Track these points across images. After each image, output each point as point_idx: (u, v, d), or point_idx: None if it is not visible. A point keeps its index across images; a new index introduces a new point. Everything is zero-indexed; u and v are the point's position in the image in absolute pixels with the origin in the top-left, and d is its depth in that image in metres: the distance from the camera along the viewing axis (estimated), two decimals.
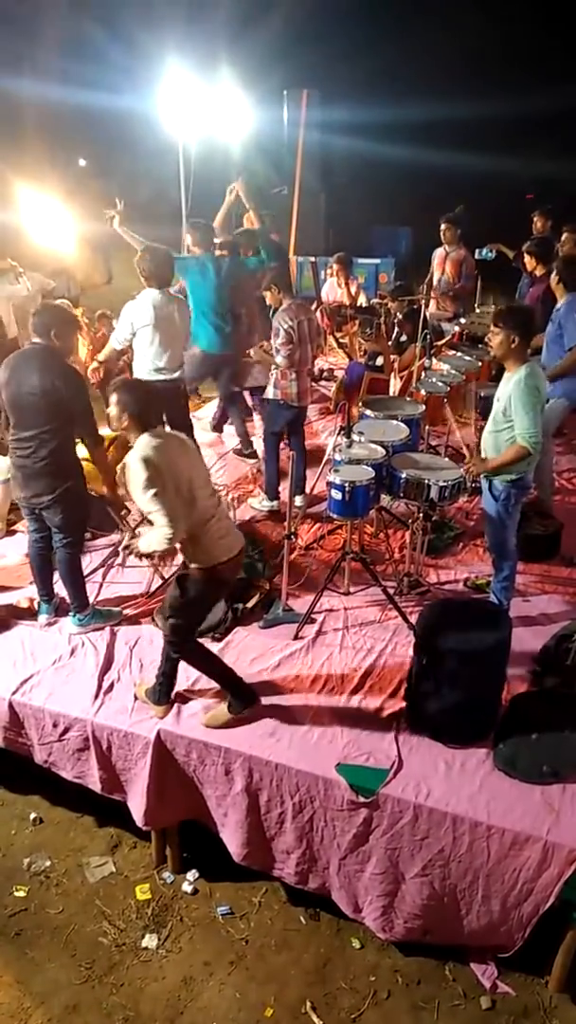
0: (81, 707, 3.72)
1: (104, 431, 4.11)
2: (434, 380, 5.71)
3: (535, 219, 8.45)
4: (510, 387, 3.84)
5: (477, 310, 7.84)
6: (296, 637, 4.21)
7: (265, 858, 3.49)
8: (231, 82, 10.58)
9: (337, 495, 4.18)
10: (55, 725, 3.73)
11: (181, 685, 3.80)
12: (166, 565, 4.68)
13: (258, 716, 3.60)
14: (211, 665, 3.62)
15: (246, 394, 6.81)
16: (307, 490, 5.68)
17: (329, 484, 4.26)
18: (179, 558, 4.81)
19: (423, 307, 6.67)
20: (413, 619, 4.14)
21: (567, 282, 5.22)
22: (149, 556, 3.50)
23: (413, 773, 3.31)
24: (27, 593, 4.53)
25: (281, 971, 3.27)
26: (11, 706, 3.81)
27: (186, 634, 3.55)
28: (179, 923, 3.46)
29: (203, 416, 7.28)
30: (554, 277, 5.33)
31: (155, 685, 3.65)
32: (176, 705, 3.68)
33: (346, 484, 4.14)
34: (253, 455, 6.41)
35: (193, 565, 3.38)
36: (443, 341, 7.08)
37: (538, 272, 6.49)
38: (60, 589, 4.36)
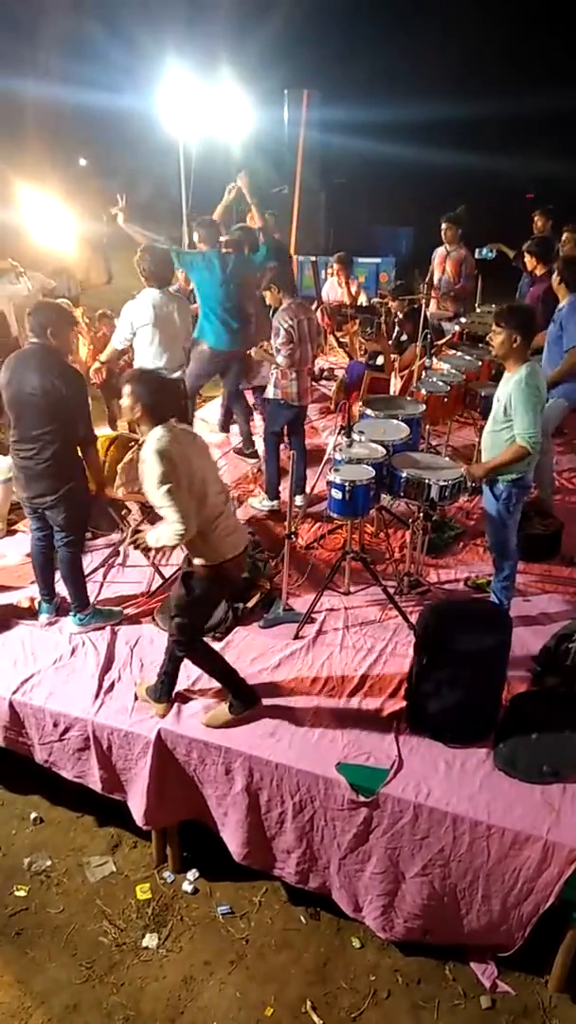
0: (81, 707, 3.72)
1: (104, 431, 4.12)
2: (434, 380, 5.71)
3: (535, 219, 8.46)
4: (510, 387, 3.83)
5: (477, 310, 7.84)
6: (296, 637, 4.21)
7: (265, 858, 3.49)
8: (231, 81, 10.59)
9: (337, 494, 4.18)
10: (55, 725, 3.73)
11: (181, 684, 3.80)
12: (166, 557, 4.68)
13: (258, 716, 3.60)
14: (214, 665, 3.62)
15: (247, 393, 6.81)
16: (307, 489, 5.68)
17: (329, 483, 4.25)
18: (176, 555, 4.83)
19: (423, 306, 6.67)
20: (413, 619, 4.14)
21: (569, 282, 5.21)
22: (152, 549, 3.47)
23: (413, 773, 3.31)
24: (28, 593, 4.53)
25: (281, 971, 3.27)
26: (11, 706, 3.81)
27: (192, 633, 3.55)
28: (179, 923, 3.46)
29: (209, 419, 7.27)
30: (555, 278, 5.33)
31: (156, 683, 3.66)
32: (176, 705, 3.68)
33: (346, 483, 4.13)
34: (254, 455, 6.41)
35: (199, 562, 3.36)
36: (443, 341, 7.07)
37: (538, 272, 6.49)
38: (60, 589, 4.36)
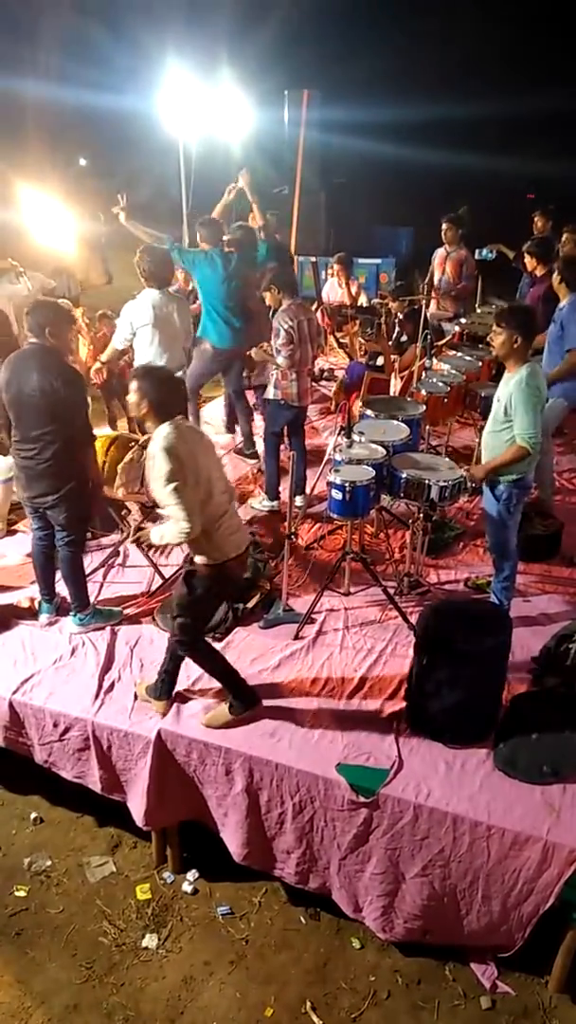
0: (81, 707, 3.72)
1: (104, 431, 4.12)
2: (434, 380, 5.71)
3: (536, 219, 8.45)
4: (511, 387, 3.84)
5: (478, 310, 7.84)
6: (296, 637, 4.21)
7: (265, 858, 3.49)
8: (231, 82, 10.59)
9: (337, 495, 4.18)
10: (55, 725, 3.73)
11: (181, 684, 3.80)
12: (165, 555, 4.67)
13: (258, 716, 3.60)
14: (216, 665, 3.62)
15: (249, 393, 6.81)
16: (307, 490, 5.68)
17: (329, 484, 4.26)
18: (176, 555, 4.84)
19: (424, 307, 6.67)
20: (413, 619, 4.14)
21: (569, 282, 5.22)
22: (155, 547, 3.46)
23: (413, 773, 3.31)
24: (28, 593, 4.54)
25: (281, 971, 3.27)
26: (11, 706, 3.81)
27: (195, 633, 3.55)
28: (179, 923, 3.46)
29: (211, 420, 7.27)
30: (556, 277, 5.33)
31: (156, 682, 3.66)
32: (176, 705, 3.69)
33: (346, 484, 4.14)
34: (255, 455, 6.41)
35: (201, 561, 3.35)
36: (443, 341, 7.07)
37: (538, 272, 6.49)
38: (61, 589, 4.36)
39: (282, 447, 5.73)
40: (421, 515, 4.42)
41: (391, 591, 4.43)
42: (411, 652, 3.75)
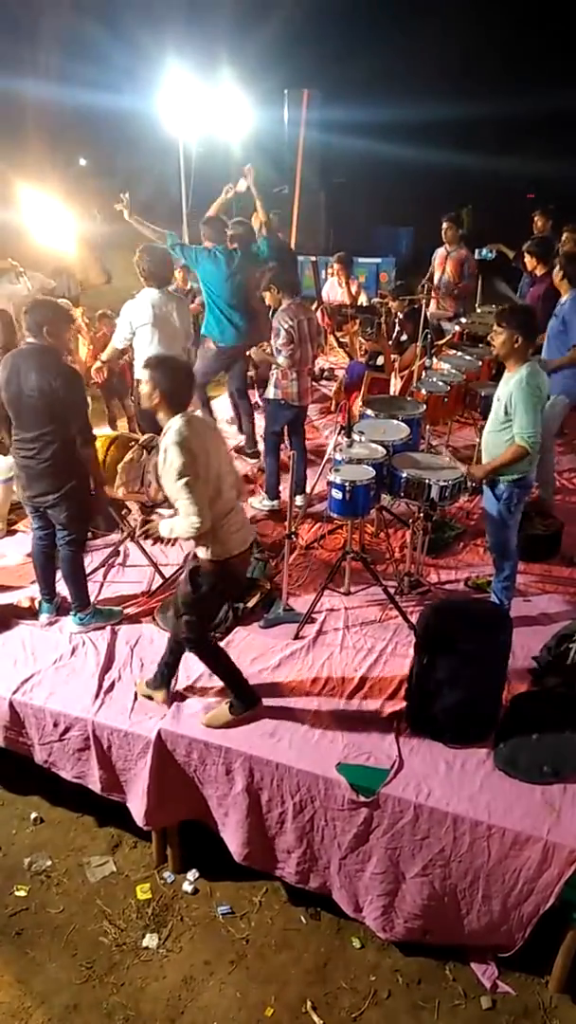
0: (82, 707, 3.71)
1: (104, 431, 4.12)
2: (435, 380, 5.71)
3: (536, 219, 8.45)
4: (511, 386, 3.83)
5: (478, 310, 7.83)
6: (296, 637, 4.21)
7: (266, 858, 3.49)
8: (231, 82, 10.60)
9: (338, 494, 4.18)
10: (55, 725, 3.73)
11: (181, 684, 3.80)
12: (171, 544, 4.67)
13: (258, 716, 3.59)
14: (221, 663, 3.61)
15: (251, 393, 6.82)
16: (308, 490, 5.68)
17: (330, 483, 4.26)
18: (175, 555, 4.83)
19: (424, 306, 6.67)
20: (414, 619, 4.14)
21: (571, 277, 5.22)
22: (163, 540, 3.44)
23: (414, 773, 3.31)
24: (28, 593, 4.53)
25: (281, 971, 3.26)
26: (12, 705, 3.81)
27: (201, 630, 3.55)
28: (179, 923, 3.46)
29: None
30: (558, 273, 5.33)
31: (156, 673, 3.68)
32: (176, 705, 3.68)
33: (346, 483, 4.13)
34: (256, 454, 6.41)
35: (205, 557, 3.34)
36: (444, 340, 7.08)
37: (538, 272, 6.49)
38: (61, 588, 4.36)
39: (282, 447, 5.73)
40: (421, 515, 4.42)
41: (391, 591, 4.43)
42: (411, 652, 3.74)
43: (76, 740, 3.70)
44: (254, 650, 4.12)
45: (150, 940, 3.37)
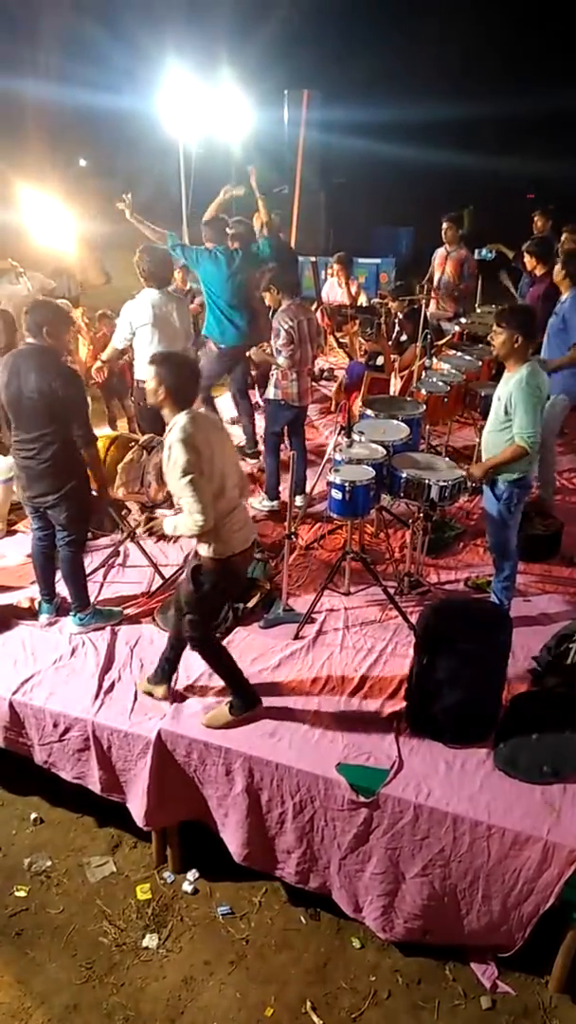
0: (81, 707, 3.71)
1: (105, 431, 4.11)
2: (434, 380, 5.71)
3: (536, 219, 8.45)
4: (511, 386, 3.84)
5: (478, 310, 7.83)
6: (296, 637, 4.21)
7: (266, 858, 3.49)
8: (231, 82, 10.60)
9: (337, 495, 4.18)
10: (55, 725, 3.73)
11: (181, 684, 3.80)
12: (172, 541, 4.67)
13: (258, 716, 3.59)
14: (223, 663, 3.61)
15: (251, 393, 6.82)
16: (307, 490, 5.68)
17: (329, 484, 4.25)
18: (175, 555, 4.84)
19: (423, 307, 6.67)
20: (413, 619, 4.14)
21: (572, 275, 5.23)
22: (166, 537, 3.44)
23: (413, 773, 3.31)
24: (28, 593, 4.53)
25: (281, 971, 3.26)
26: (11, 706, 3.81)
27: (204, 629, 3.55)
28: (179, 923, 3.46)
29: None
30: (559, 271, 5.34)
31: (156, 668, 3.68)
32: (176, 705, 3.68)
33: (346, 484, 4.13)
34: (256, 455, 6.41)
35: (206, 555, 3.33)
36: (443, 341, 7.07)
37: (538, 272, 6.49)
38: (61, 589, 4.36)
39: (282, 447, 5.73)
40: (421, 515, 4.42)
41: (391, 591, 4.43)
42: (411, 652, 3.74)
43: (76, 740, 3.70)
44: (254, 650, 4.12)
45: (150, 940, 3.37)
